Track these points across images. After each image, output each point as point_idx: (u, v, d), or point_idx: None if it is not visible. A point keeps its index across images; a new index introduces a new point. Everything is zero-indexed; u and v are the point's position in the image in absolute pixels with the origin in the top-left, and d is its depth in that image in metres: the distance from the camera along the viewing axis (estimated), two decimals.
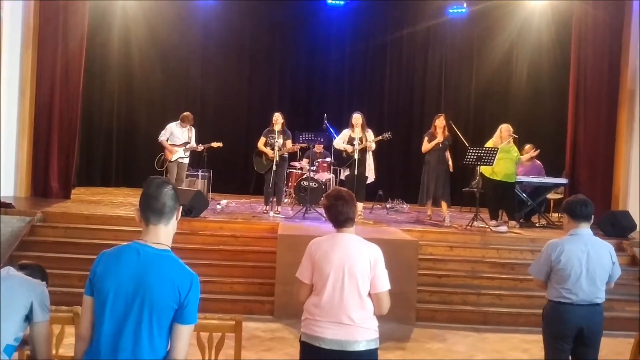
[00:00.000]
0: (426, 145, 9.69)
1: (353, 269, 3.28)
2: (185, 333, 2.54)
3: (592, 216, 4.23)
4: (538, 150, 10.36)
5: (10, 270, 3.02)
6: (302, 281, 3.41)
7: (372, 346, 3.32)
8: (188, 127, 10.27)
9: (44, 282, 3.10)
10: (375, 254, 3.36)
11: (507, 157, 9.32)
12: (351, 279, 3.28)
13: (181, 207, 2.72)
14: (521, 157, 9.90)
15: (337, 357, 3.25)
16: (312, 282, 3.37)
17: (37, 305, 2.87)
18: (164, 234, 2.63)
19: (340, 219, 3.41)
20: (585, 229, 4.19)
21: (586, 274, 4.10)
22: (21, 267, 3.21)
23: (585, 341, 4.14)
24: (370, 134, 9.58)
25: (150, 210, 2.60)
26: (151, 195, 2.61)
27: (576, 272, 4.10)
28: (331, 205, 3.41)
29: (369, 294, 3.32)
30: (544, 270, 4.24)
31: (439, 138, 9.58)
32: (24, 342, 2.97)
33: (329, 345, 3.25)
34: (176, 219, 2.69)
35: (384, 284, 3.34)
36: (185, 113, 10.34)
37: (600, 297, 4.17)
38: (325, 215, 3.53)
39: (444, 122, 9.68)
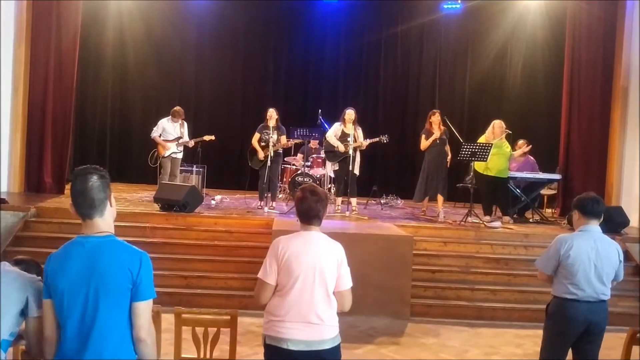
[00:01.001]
0: (424, 143, 9.67)
1: (323, 269, 3.27)
2: (144, 309, 2.58)
3: (602, 214, 4.27)
4: (530, 146, 10.39)
5: (5, 266, 3.01)
6: (266, 282, 3.30)
7: (337, 342, 3.33)
8: (180, 121, 10.25)
9: (39, 278, 3.08)
10: (341, 253, 3.36)
11: (499, 153, 9.35)
12: (321, 279, 3.27)
13: (112, 194, 2.70)
14: (513, 152, 9.93)
15: (304, 357, 3.22)
16: (277, 283, 3.31)
17: (32, 300, 2.86)
18: (102, 224, 2.64)
19: (310, 215, 3.37)
20: (594, 226, 4.23)
21: (594, 271, 4.13)
22: (16, 262, 3.20)
23: (590, 337, 4.17)
24: (360, 132, 9.58)
25: (80, 207, 2.62)
26: (78, 192, 2.61)
27: (585, 268, 4.12)
28: (305, 198, 3.36)
29: (333, 292, 3.33)
30: (551, 264, 4.26)
31: (436, 133, 9.57)
32: (20, 336, 2.97)
33: (297, 346, 3.22)
34: (111, 206, 2.68)
35: (348, 282, 3.36)
36: (175, 108, 10.32)
37: (607, 294, 4.19)
38: (295, 206, 3.49)
39: (439, 118, 9.65)
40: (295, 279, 3.24)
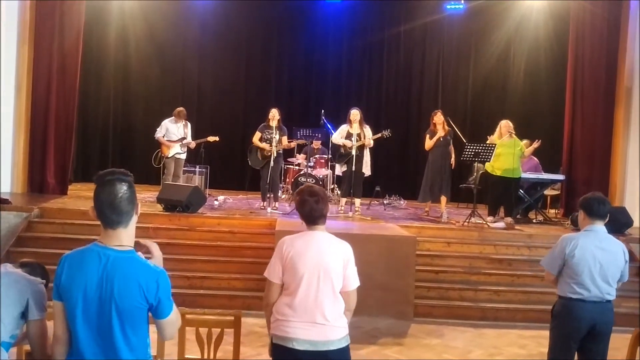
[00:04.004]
0: (428, 142, 9.64)
1: (328, 269, 3.26)
2: (167, 323, 2.56)
3: (608, 215, 4.25)
4: (539, 141, 10.22)
5: (7, 267, 3.00)
6: (272, 281, 3.33)
7: (344, 344, 3.31)
8: (183, 122, 10.26)
9: (44, 281, 3.07)
10: (347, 252, 3.35)
11: (507, 152, 9.27)
12: (326, 279, 3.26)
13: (139, 205, 2.56)
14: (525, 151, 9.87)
15: (310, 357, 3.22)
16: (282, 282, 3.32)
17: (32, 303, 2.84)
18: (124, 236, 2.50)
19: (314, 216, 3.36)
20: (600, 226, 4.21)
21: (600, 271, 4.11)
22: (22, 265, 3.19)
23: (596, 338, 4.15)
24: (368, 130, 9.54)
25: (106, 218, 2.46)
26: (105, 202, 2.44)
27: (590, 267, 4.10)
28: (305, 201, 3.36)
29: (340, 292, 3.32)
30: (557, 264, 4.23)
31: (440, 132, 9.55)
32: (24, 337, 2.96)
33: (302, 345, 3.22)
34: (136, 214, 2.54)
35: (354, 282, 3.35)
36: (178, 108, 10.34)
37: (612, 295, 4.18)
38: (296, 211, 3.48)
39: (442, 118, 9.63)
40: (300, 279, 3.25)
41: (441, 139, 9.54)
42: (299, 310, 3.24)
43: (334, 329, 3.27)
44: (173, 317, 2.58)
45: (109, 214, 2.46)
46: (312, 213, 3.36)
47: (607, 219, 4.26)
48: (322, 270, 3.25)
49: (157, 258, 2.61)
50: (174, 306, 2.58)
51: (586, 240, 4.16)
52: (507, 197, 9.55)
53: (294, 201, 3.49)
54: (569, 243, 4.18)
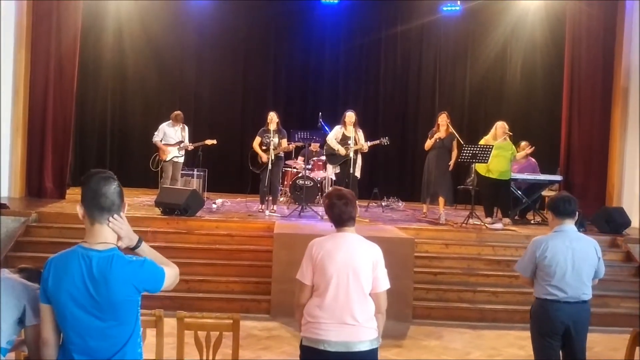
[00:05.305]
0: (427, 142, 9.69)
1: (357, 270, 3.27)
2: (167, 287, 2.67)
3: (577, 213, 4.26)
4: (533, 148, 10.38)
5: (4, 273, 2.99)
6: (303, 283, 3.36)
7: (375, 345, 3.33)
8: (181, 125, 10.27)
9: (39, 286, 3.06)
10: (377, 254, 3.36)
11: (502, 155, 9.33)
12: (355, 280, 3.27)
13: (126, 205, 2.65)
14: (516, 154, 9.92)
15: (342, 358, 3.23)
16: (313, 283, 3.34)
17: (29, 309, 2.83)
18: (108, 231, 2.55)
19: (343, 218, 3.39)
20: (569, 226, 4.21)
21: (572, 270, 4.11)
22: (20, 271, 3.19)
23: (572, 339, 4.15)
24: (360, 134, 9.56)
25: (97, 208, 2.53)
26: (99, 192, 2.53)
27: (562, 268, 4.11)
28: (333, 204, 3.39)
29: (369, 294, 3.33)
30: (529, 267, 4.25)
31: (440, 134, 9.55)
32: (22, 342, 2.95)
33: (335, 347, 3.24)
34: (122, 210, 2.61)
35: (384, 284, 3.36)
36: (175, 112, 10.35)
37: (587, 294, 4.18)
38: (325, 214, 3.51)
39: (445, 119, 9.59)
40: (329, 279, 3.27)
41: (437, 141, 9.54)
42: (329, 311, 3.26)
43: (365, 330, 3.28)
44: (169, 281, 2.67)
45: (102, 202, 2.52)
46: (341, 216, 3.39)
47: (576, 218, 4.26)
48: (351, 271, 3.27)
49: (125, 237, 2.61)
50: (164, 269, 2.65)
51: (556, 242, 4.16)
52: (501, 198, 9.58)
53: (323, 204, 3.52)
54: (539, 246, 4.18)
